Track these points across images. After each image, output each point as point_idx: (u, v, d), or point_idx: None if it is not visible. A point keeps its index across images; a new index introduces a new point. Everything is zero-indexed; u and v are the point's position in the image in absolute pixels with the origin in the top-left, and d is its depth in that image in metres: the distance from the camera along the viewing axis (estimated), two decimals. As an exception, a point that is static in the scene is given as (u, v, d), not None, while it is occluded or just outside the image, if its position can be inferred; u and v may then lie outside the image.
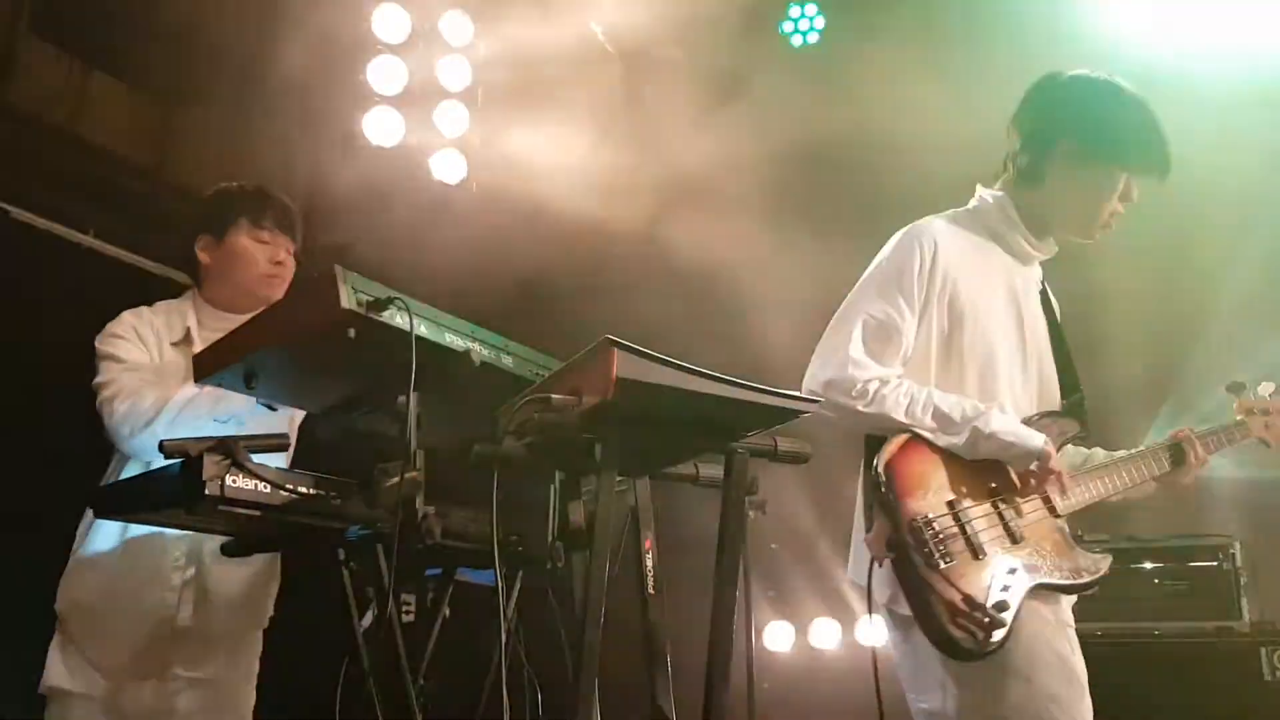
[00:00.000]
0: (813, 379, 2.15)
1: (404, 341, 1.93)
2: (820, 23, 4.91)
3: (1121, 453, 2.33)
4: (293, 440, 2.71)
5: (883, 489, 2.03)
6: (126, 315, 2.66)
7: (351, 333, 1.91)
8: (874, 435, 2.13)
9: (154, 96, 4.26)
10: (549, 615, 2.32)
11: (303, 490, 2.11)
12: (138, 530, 2.49)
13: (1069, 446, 2.29)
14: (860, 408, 2.10)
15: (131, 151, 4.21)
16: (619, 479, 1.83)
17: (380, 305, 1.92)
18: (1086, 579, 2.10)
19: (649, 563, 1.90)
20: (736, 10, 4.59)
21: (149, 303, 2.73)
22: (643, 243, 4.63)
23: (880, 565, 2.05)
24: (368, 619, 2.22)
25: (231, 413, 2.43)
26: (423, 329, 1.98)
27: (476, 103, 4.75)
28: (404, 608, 2.47)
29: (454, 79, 4.70)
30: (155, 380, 2.52)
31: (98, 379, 2.54)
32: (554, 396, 1.72)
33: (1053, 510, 2.12)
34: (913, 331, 2.16)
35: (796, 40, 4.93)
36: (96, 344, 2.60)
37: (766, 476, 1.95)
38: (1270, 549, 3.83)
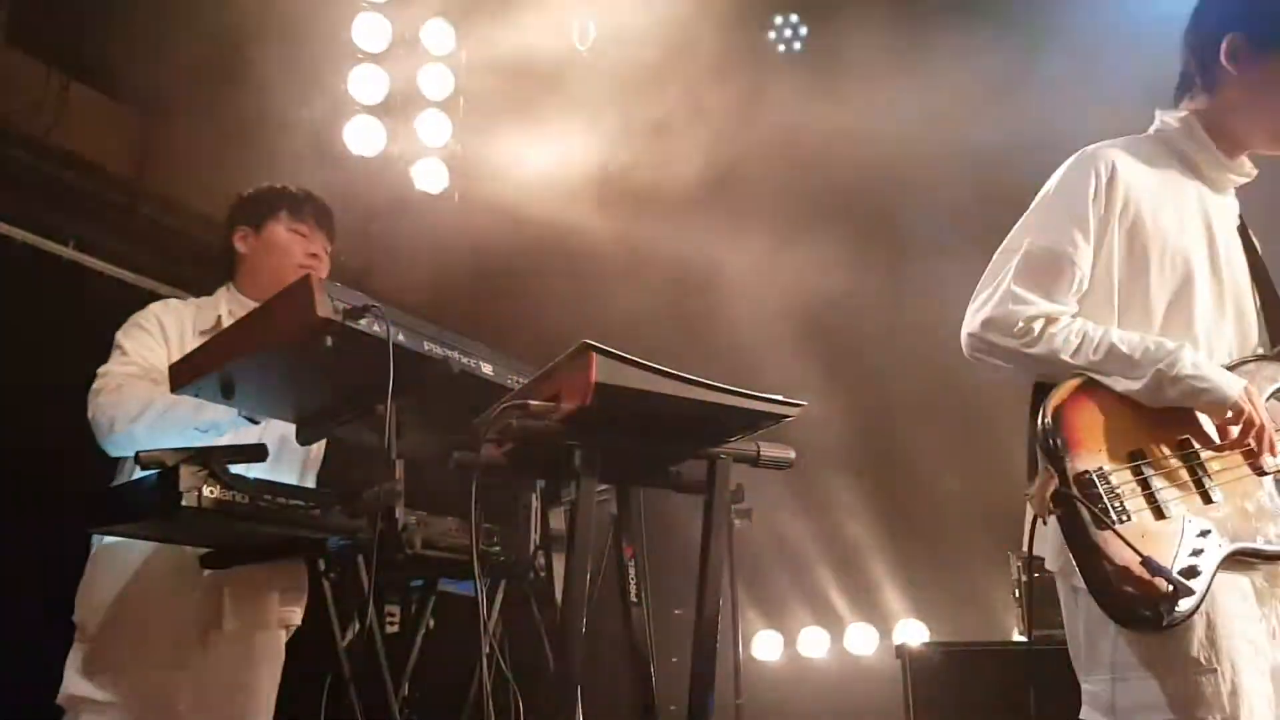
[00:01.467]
0: (971, 320, 1.92)
1: (382, 349, 1.91)
2: (804, 30, 4.93)
3: None
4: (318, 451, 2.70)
5: (1049, 438, 1.77)
6: (154, 306, 2.64)
7: (329, 341, 1.90)
8: (1044, 383, 1.88)
9: (134, 108, 4.24)
10: (533, 625, 2.31)
11: (280, 501, 2.09)
12: None
13: None
14: (1023, 348, 1.86)
15: (112, 162, 4.19)
16: (600, 486, 1.80)
17: (357, 313, 1.91)
18: None
19: (631, 571, 1.88)
20: (719, 16, 4.59)
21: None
22: (626, 248, 4.62)
23: (1045, 524, 1.81)
24: (349, 631, 2.20)
25: (213, 422, 2.40)
26: (400, 336, 1.97)
27: (459, 111, 4.74)
28: (388, 619, 2.45)
29: (436, 88, 4.69)
30: (152, 381, 2.48)
31: (100, 369, 2.51)
32: (533, 402, 1.71)
33: (1258, 468, 1.85)
34: (1088, 262, 1.93)
35: (781, 48, 4.95)
36: (117, 333, 2.57)
37: (755, 485, 1.93)
38: None
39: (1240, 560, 1.79)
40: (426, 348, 2.05)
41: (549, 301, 4.59)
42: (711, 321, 4.48)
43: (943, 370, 3.23)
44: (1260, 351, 2.01)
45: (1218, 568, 1.74)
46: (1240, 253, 2.06)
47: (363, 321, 1.92)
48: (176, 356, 2.50)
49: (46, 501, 2.58)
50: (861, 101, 4.18)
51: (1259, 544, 1.80)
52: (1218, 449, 1.85)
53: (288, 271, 2.61)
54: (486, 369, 2.15)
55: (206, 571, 2.41)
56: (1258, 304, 2.04)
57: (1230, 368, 1.93)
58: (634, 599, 1.89)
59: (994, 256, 1.98)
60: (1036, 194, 2.05)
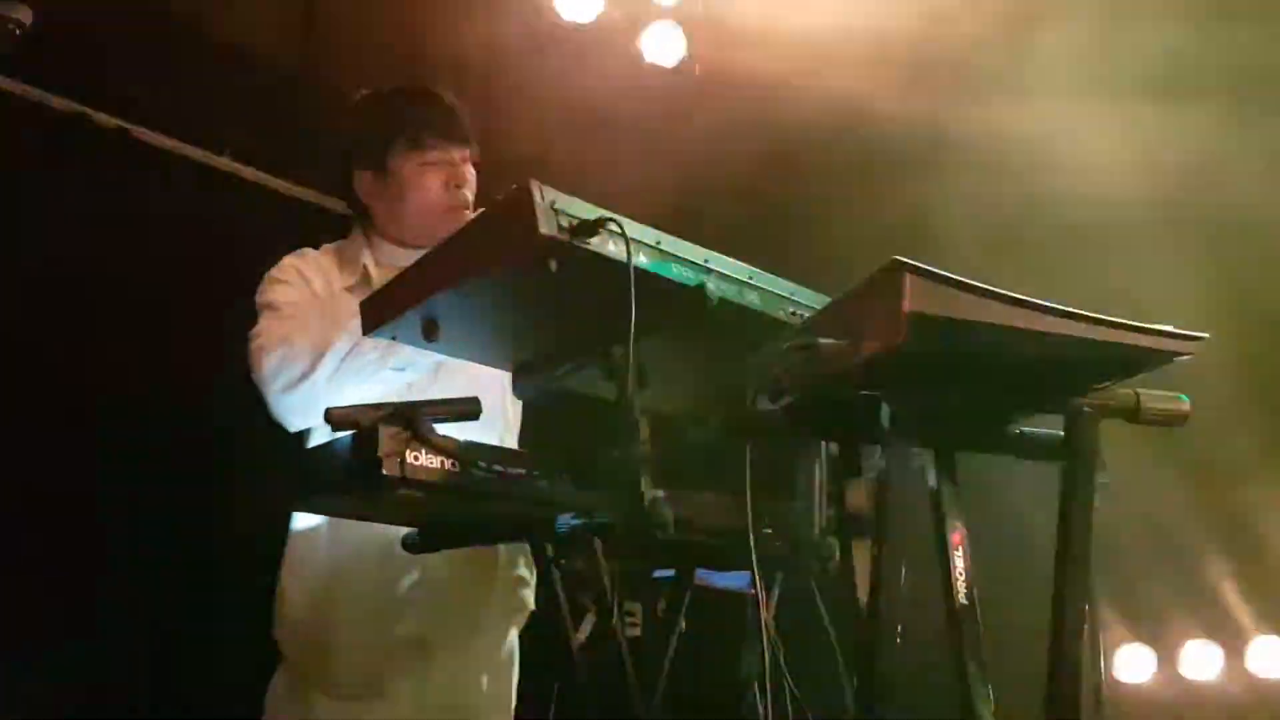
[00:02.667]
0: None
1: (620, 275, 1.95)
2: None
3: None
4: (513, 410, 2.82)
5: None
6: (289, 259, 2.83)
7: (553, 265, 1.95)
8: None
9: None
10: (815, 631, 2.33)
11: (498, 469, 2.17)
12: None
13: None
14: None
15: (270, 49, 4.44)
16: (915, 451, 1.81)
17: (588, 229, 1.94)
18: None
19: (959, 563, 1.86)
20: None
21: (303, 237, 2.89)
22: (925, 136, 4.51)
23: None
24: (585, 631, 2.28)
25: (409, 360, 2.52)
26: (643, 258, 2.00)
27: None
28: (628, 619, 2.54)
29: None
30: (318, 318, 2.64)
31: (251, 331, 2.70)
32: (822, 341, 1.70)
33: None
34: None
35: None
36: (256, 298, 2.76)
37: (1110, 448, 1.87)
38: None
39: None
40: (676, 272, 2.07)
41: (826, 207, 4.55)
42: (1045, 231, 4.33)
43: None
44: None
45: None
46: None
47: (594, 240, 1.95)
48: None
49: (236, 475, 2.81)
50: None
51: None
52: None
53: (431, 218, 2.74)
54: (753, 298, 2.15)
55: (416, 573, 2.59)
56: None
57: None
58: (963, 599, 1.86)
59: None
60: None
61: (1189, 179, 4.25)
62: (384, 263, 2.79)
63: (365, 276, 2.78)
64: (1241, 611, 4.62)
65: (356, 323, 2.30)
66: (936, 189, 4.50)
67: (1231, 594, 4.68)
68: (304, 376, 2.55)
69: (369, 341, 2.46)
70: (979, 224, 4.47)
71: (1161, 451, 4.01)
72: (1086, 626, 1.78)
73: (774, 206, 4.73)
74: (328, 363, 2.54)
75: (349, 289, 2.76)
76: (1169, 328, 1.70)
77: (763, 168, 4.65)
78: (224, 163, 4.28)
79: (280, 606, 2.74)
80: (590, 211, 1.96)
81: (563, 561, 2.27)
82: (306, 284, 2.77)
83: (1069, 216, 4.52)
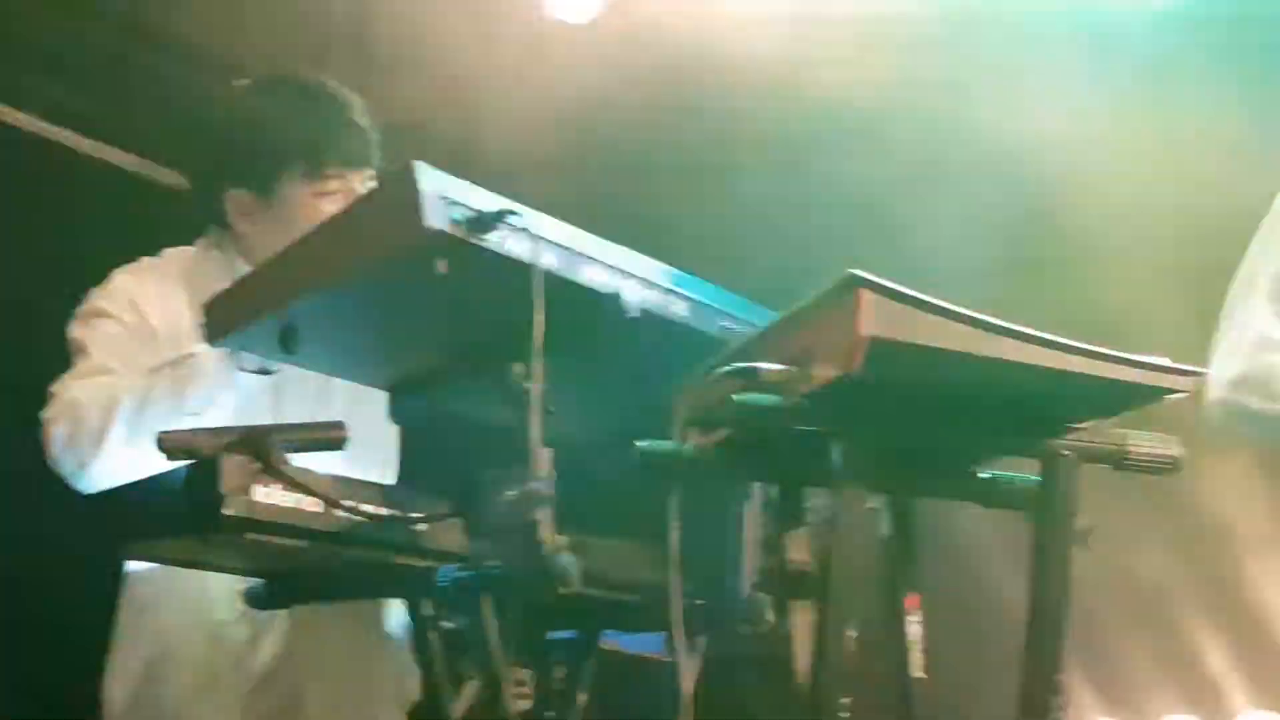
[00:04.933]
0: (1217, 379, 2.15)
1: (522, 279, 1.95)
2: None
3: None
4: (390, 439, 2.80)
5: None
6: (120, 277, 2.75)
7: (441, 266, 1.94)
8: None
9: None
10: (746, 702, 2.36)
11: (368, 509, 2.17)
12: None
13: None
14: None
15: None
16: (866, 496, 1.82)
17: (486, 223, 1.95)
18: None
19: (914, 628, 1.89)
20: None
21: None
22: (872, 113, 4.57)
23: None
24: (465, 704, 2.29)
25: (207, 391, 2.48)
26: (551, 258, 2.00)
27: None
28: (518, 689, 2.54)
29: None
30: (126, 371, 2.58)
31: (53, 385, 2.62)
32: (763, 366, 1.72)
33: None
34: None
35: None
36: (68, 331, 2.68)
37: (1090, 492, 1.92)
38: None
39: None
40: (588, 276, 2.09)
41: (763, 194, 4.59)
42: (1029, 233, 4.43)
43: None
44: None
45: None
46: None
47: (493, 236, 1.96)
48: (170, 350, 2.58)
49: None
50: None
51: None
52: None
53: None
54: (680, 309, 2.17)
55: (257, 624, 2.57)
56: None
57: None
58: (917, 672, 1.90)
59: (1231, 289, 2.21)
60: None
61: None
62: None
63: None
64: (1230, 682, 4.74)
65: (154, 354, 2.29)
66: (880, 168, 4.56)
67: (1218, 661, 4.80)
68: (98, 446, 2.49)
69: (160, 383, 2.44)
70: (934, 211, 4.54)
71: (1144, 500, 4.12)
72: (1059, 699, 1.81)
73: (693, 193, 4.75)
74: (116, 430, 2.49)
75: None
76: (1161, 360, 1.75)
77: (685, 146, 4.67)
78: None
79: (113, 655, 2.68)
80: (489, 200, 1.96)
81: (443, 621, 2.28)
82: (139, 315, 2.69)
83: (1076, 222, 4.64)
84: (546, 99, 4.48)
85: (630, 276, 2.12)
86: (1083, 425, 1.84)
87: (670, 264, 2.22)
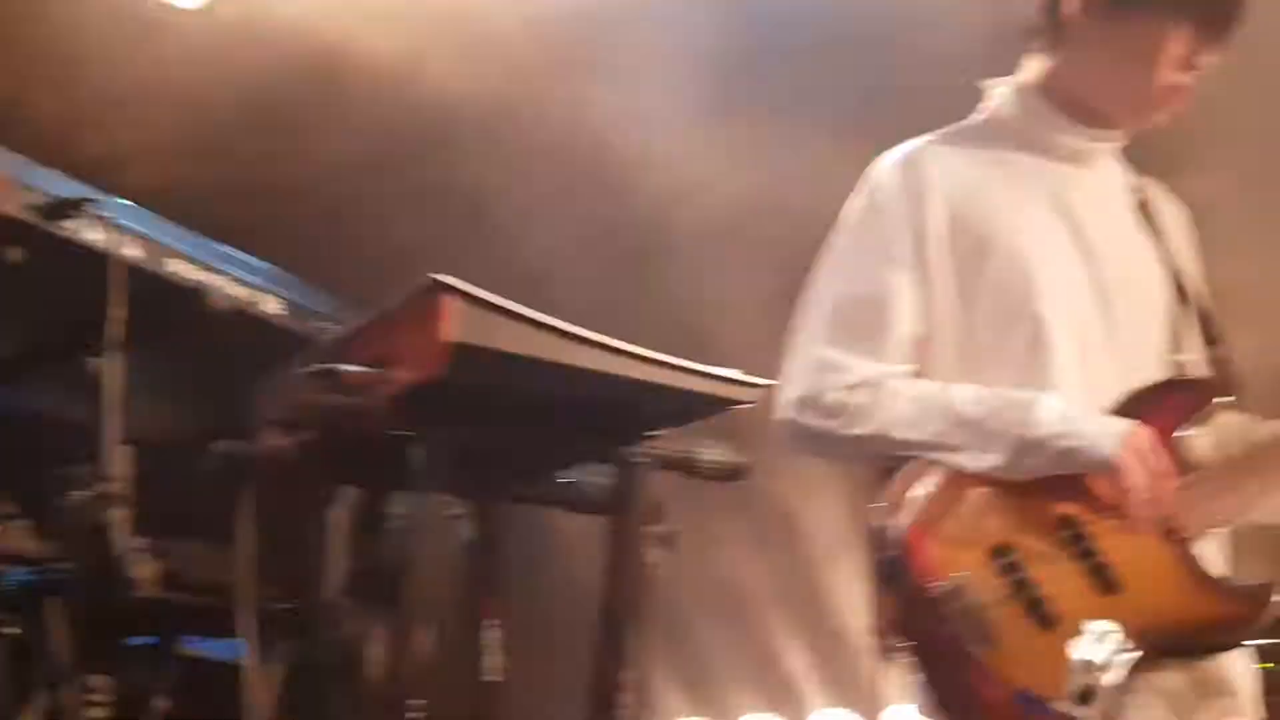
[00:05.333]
0: (784, 400, 2.19)
1: (102, 270, 1.90)
2: None
3: None
4: None
5: (886, 548, 2.06)
6: None
7: (16, 254, 1.87)
8: (888, 467, 2.17)
9: None
10: (330, 708, 2.34)
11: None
12: None
13: (1231, 425, 2.29)
14: (840, 429, 2.15)
15: None
16: (449, 500, 1.85)
17: (63, 209, 1.89)
18: (1219, 633, 2.11)
19: (491, 633, 1.92)
20: None
21: None
22: (494, 119, 4.61)
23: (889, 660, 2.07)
24: (34, 717, 2.21)
25: None
26: (133, 249, 1.96)
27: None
28: (92, 699, 2.46)
29: None
30: None
31: None
32: (345, 368, 1.72)
33: (1178, 533, 2.12)
34: (913, 306, 2.22)
35: None
36: None
37: (680, 500, 1.99)
38: None
39: (1159, 662, 2.04)
40: (172, 267, 2.04)
41: (367, 200, 4.56)
42: (628, 245, 4.53)
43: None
44: (1180, 374, 2.28)
45: (1126, 679, 1.93)
46: (1138, 237, 2.36)
47: (71, 224, 1.90)
48: None
49: None
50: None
51: (1177, 639, 2.06)
52: (1117, 517, 2.10)
53: None
54: (272, 306, 2.15)
55: None
56: (1184, 302, 2.32)
57: (1127, 402, 2.17)
58: (495, 675, 1.93)
59: (797, 314, 2.25)
60: None
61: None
62: None
63: None
64: (809, 682, 4.93)
65: None
66: (495, 172, 4.60)
67: (798, 662, 4.95)
68: None
69: None
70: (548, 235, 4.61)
71: (736, 506, 4.27)
72: (630, 695, 1.85)
73: (296, 191, 4.68)
74: None
75: None
76: (729, 373, 1.82)
77: (289, 141, 4.61)
78: None
79: None
80: (68, 186, 1.91)
81: (5, 628, 2.19)
82: None
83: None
84: (154, 85, 4.36)
85: (220, 272, 2.09)
86: (657, 434, 1.90)
87: (271, 261, 2.20)
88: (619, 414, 1.86)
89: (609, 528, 1.91)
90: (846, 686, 4.90)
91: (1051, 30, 2.33)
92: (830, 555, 4.80)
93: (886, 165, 2.32)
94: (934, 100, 2.41)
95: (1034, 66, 2.37)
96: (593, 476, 2.02)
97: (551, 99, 4.65)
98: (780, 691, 4.91)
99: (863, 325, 2.20)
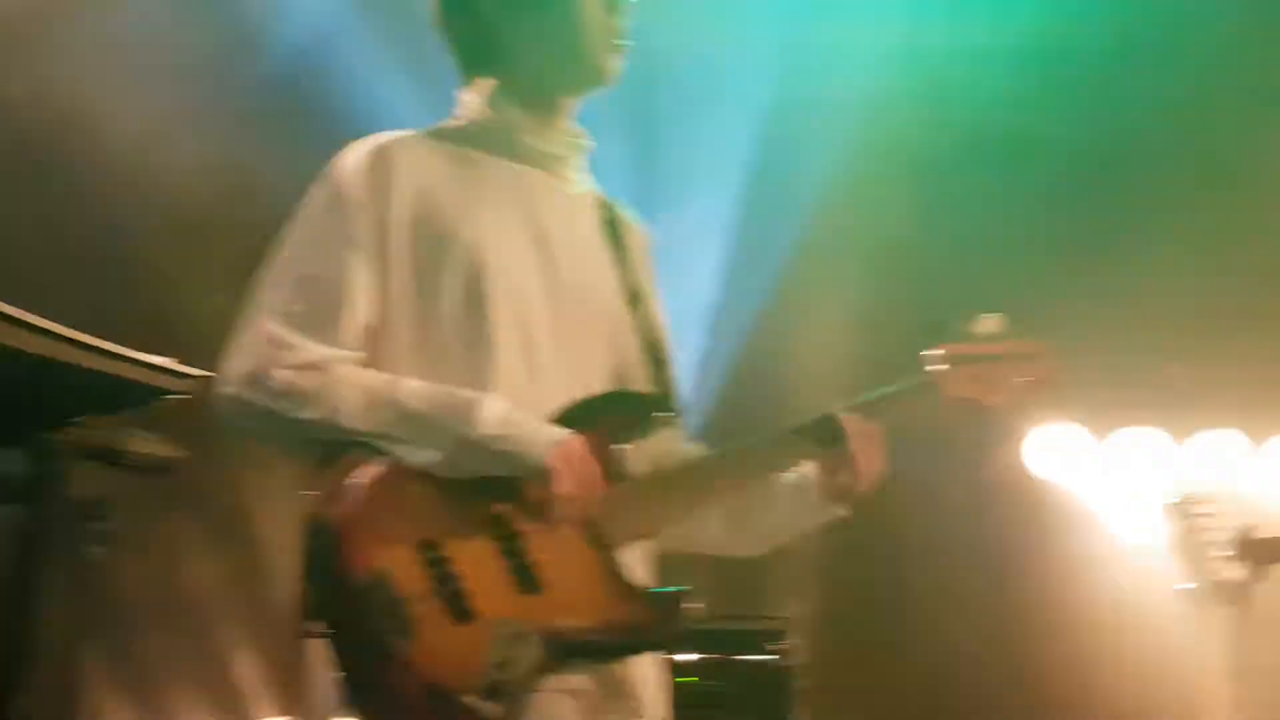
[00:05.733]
0: (228, 374, 2.15)
1: None
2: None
3: (728, 446, 2.42)
4: None
5: (314, 536, 2.07)
6: None
7: None
8: (325, 453, 2.17)
9: None
10: None
11: None
12: None
13: (667, 443, 2.40)
14: (286, 410, 2.13)
15: None
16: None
17: None
18: (629, 636, 2.20)
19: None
20: None
21: None
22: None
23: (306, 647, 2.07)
24: None
25: None
26: None
27: None
28: None
29: None
30: None
31: None
32: None
33: (599, 539, 2.23)
34: (369, 294, 2.24)
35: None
36: None
37: (133, 495, 1.93)
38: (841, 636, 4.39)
39: (571, 655, 2.15)
40: None
41: None
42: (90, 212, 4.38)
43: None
44: (625, 388, 2.39)
45: (535, 676, 2.08)
46: (602, 253, 2.46)
47: None
48: None
49: None
50: None
51: (587, 634, 2.16)
52: (544, 519, 2.19)
53: None
54: None
55: None
56: (636, 320, 2.43)
57: (570, 411, 2.28)
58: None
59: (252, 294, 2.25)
60: None
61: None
62: None
63: None
64: (253, 687, 4.84)
65: None
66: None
67: (244, 668, 4.88)
68: None
69: None
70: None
71: (193, 508, 4.19)
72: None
73: None
74: None
75: None
76: (160, 360, 1.77)
77: None
78: None
79: None
80: None
81: None
82: None
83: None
84: None
85: None
86: (82, 421, 1.83)
87: None
88: (41, 396, 1.78)
89: (27, 523, 1.82)
90: (296, 694, 4.87)
91: (474, 36, 2.41)
92: (285, 556, 4.78)
93: (356, 153, 2.32)
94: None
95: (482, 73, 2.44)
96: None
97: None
98: (229, 698, 4.83)
99: (317, 307, 2.20)
